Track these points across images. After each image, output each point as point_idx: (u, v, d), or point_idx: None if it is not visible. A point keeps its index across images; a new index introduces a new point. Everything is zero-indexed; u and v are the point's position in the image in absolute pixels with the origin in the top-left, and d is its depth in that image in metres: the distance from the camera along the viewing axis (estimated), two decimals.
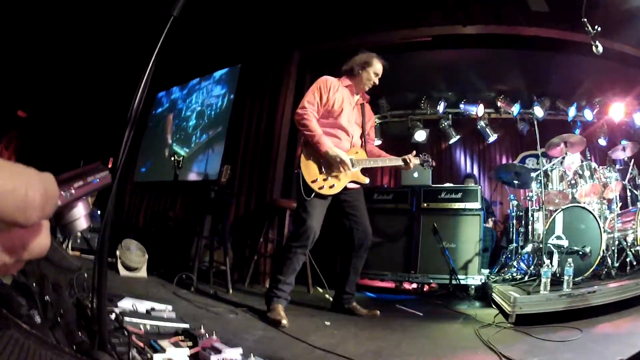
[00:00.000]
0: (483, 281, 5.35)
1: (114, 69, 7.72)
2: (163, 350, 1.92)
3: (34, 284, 1.43)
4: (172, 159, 5.74)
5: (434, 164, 4.05)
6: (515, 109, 8.13)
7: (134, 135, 1.70)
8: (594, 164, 5.06)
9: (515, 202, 6.13)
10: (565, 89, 7.96)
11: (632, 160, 5.57)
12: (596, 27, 3.31)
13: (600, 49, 3.43)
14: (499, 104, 8.45)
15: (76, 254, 4.85)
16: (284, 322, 3.08)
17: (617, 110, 7.67)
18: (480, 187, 5.89)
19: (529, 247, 5.21)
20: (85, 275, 2.38)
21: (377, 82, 3.85)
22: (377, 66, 3.81)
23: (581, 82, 7.55)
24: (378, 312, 3.80)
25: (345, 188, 3.63)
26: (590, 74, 7.04)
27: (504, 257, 5.84)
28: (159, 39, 1.75)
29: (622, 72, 6.45)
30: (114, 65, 7.72)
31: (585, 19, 3.31)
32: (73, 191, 0.53)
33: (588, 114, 8.10)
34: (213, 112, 6.99)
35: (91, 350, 1.47)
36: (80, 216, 0.56)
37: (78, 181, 0.54)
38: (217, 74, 7.21)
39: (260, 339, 2.67)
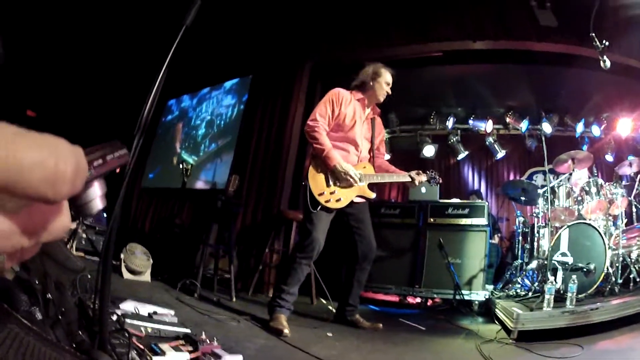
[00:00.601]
0: (487, 297, 5.33)
1: (126, 73, 7.79)
2: (163, 353, 1.94)
3: (37, 282, 1.43)
4: (181, 166, 5.83)
5: (440, 180, 4.05)
6: (524, 125, 8.15)
7: (144, 141, 1.72)
8: (600, 180, 5.04)
9: (521, 219, 6.14)
10: (573, 104, 7.96)
11: (639, 175, 5.55)
12: (604, 41, 3.32)
13: (608, 63, 3.45)
14: (507, 119, 8.47)
15: (80, 254, 4.87)
16: (286, 331, 3.08)
17: (625, 125, 7.65)
18: (487, 203, 5.86)
19: (533, 264, 5.19)
20: (89, 276, 2.39)
21: (390, 92, 3.85)
22: (387, 75, 3.82)
23: (589, 97, 7.53)
24: (380, 325, 3.78)
25: (352, 202, 3.63)
26: (598, 89, 7.02)
27: (508, 273, 5.82)
28: (171, 47, 1.78)
29: (629, 86, 6.43)
30: (126, 70, 7.79)
31: (594, 34, 3.33)
32: (92, 170, 0.49)
33: (595, 130, 8.10)
34: (223, 122, 7.02)
35: (91, 349, 1.47)
36: (97, 196, 0.52)
37: (97, 159, 0.51)
38: (228, 83, 7.24)
39: (262, 348, 2.67)
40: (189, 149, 7.45)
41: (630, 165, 5.55)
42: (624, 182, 5.26)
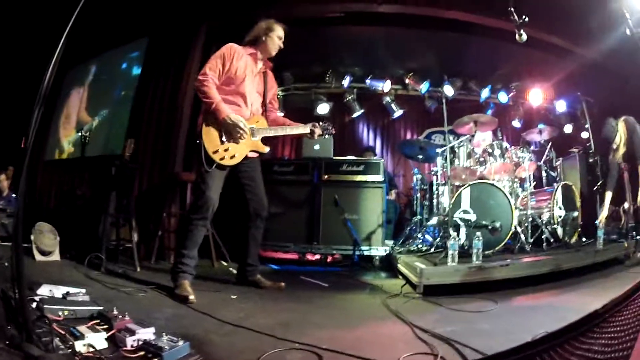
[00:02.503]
0: (387, 252, 5.46)
1: (19, 44, 6.92)
2: (82, 336, 1.95)
3: None
4: (80, 134, 5.53)
5: (333, 131, 4.07)
6: (424, 86, 8.25)
7: (45, 113, 1.75)
8: (505, 144, 5.29)
9: (419, 176, 6.29)
10: (481, 71, 8.16)
11: (550, 143, 5.83)
12: (523, 17, 3.31)
13: (525, 37, 3.48)
14: (407, 81, 8.52)
15: None
16: (192, 297, 3.12)
17: (536, 95, 8.05)
18: (383, 160, 5.97)
19: (434, 220, 5.33)
20: (6, 264, 2.41)
21: (282, 46, 3.83)
22: (279, 30, 3.79)
23: (500, 66, 7.75)
24: (283, 284, 3.82)
25: (246, 157, 3.61)
26: (510, 60, 7.20)
27: (408, 228, 5.98)
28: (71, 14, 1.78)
29: (545, 61, 6.72)
30: (19, 41, 6.91)
31: (513, 8, 3.29)
32: None
33: (503, 97, 8.44)
34: (120, 86, 6.68)
35: (21, 343, 1.53)
36: None
37: None
38: (125, 47, 6.86)
39: (171, 317, 2.69)
40: (87, 115, 7.03)
41: (541, 132, 5.87)
42: (532, 148, 5.50)
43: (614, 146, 5.09)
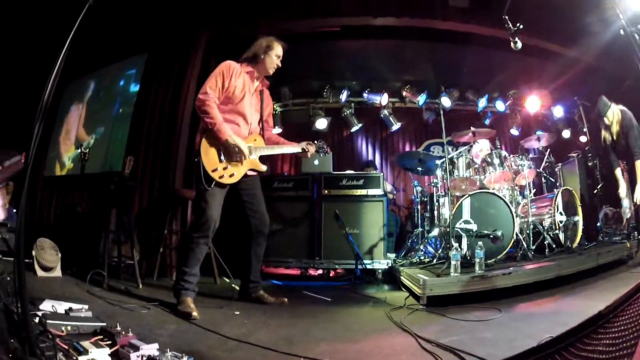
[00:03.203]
0: (390, 265, 5.43)
1: (19, 57, 6.97)
2: (86, 351, 1.95)
3: None
4: (79, 150, 5.52)
5: (328, 150, 4.14)
6: (422, 98, 8.28)
7: (45, 128, 1.67)
8: (504, 152, 5.31)
9: (419, 188, 6.28)
10: (477, 80, 8.23)
11: (549, 149, 5.83)
12: (518, 24, 3.33)
13: (520, 45, 3.48)
14: (404, 93, 8.57)
15: None
16: (194, 314, 3.11)
17: (533, 102, 8.11)
18: (382, 174, 5.97)
19: (435, 231, 5.32)
20: (8, 278, 2.40)
21: (280, 65, 3.84)
22: (278, 49, 3.80)
23: (496, 74, 7.78)
24: (285, 299, 3.82)
25: (245, 175, 3.63)
26: (507, 68, 7.24)
27: (409, 241, 5.97)
28: (71, 28, 1.77)
29: (541, 67, 6.78)
30: (19, 54, 6.97)
31: (507, 16, 3.31)
32: None
33: (500, 105, 8.51)
34: (119, 102, 6.68)
35: (24, 357, 1.52)
36: None
37: None
38: (124, 63, 6.88)
39: (174, 333, 2.69)
40: (85, 133, 7.03)
41: (539, 139, 5.86)
42: (530, 155, 5.50)
43: (606, 122, 5.01)
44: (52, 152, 7.34)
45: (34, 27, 6.29)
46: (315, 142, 3.90)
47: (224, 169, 3.46)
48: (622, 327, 1.27)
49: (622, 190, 5.04)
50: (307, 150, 3.81)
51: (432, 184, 5.87)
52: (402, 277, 4.57)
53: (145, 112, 5.94)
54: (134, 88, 6.39)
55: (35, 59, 5.44)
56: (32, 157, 1.58)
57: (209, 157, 3.44)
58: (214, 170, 3.42)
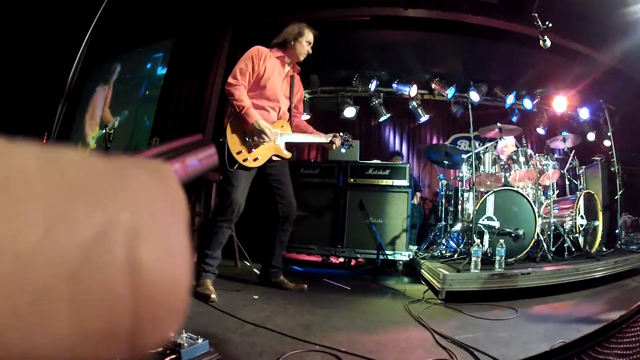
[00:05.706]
0: (411, 257, 5.42)
1: (45, 39, 7.10)
2: None
3: None
4: (103, 131, 5.53)
5: (352, 144, 4.07)
6: (450, 92, 8.23)
7: (67, 110, 1.65)
8: (529, 151, 5.22)
9: (444, 182, 6.25)
10: (506, 77, 8.13)
11: (573, 151, 5.76)
12: (547, 22, 3.28)
13: (549, 43, 3.45)
14: (433, 86, 8.54)
15: None
16: (213, 296, 3.12)
17: (560, 102, 7.98)
18: (408, 165, 5.90)
19: (458, 226, 5.29)
20: None
21: (310, 51, 3.81)
22: (310, 35, 3.77)
23: (524, 72, 7.71)
24: (305, 286, 3.81)
25: (271, 160, 3.62)
26: (535, 66, 7.18)
27: (432, 234, 5.94)
28: (95, 12, 1.66)
29: (569, 68, 6.65)
30: (45, 36, 7.09)
31: (536, 14, 3.27)
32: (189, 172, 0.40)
33: (527, 103, 8.43)
34: (145, 85, 6.79)
35: None
36: None
37: (192, 160, 0.41)
38: (151, 47, 6.98)
39: (191, 315, 2.63)
40: (110, 115, 7.17)
41: (564, 140, 5.77)
42: (555, 156, 5.43)
43: None
44: (74, 134, 7.48)
45: (61, 11, 6.37)
46: (341, 134, 3.87)
47: (249, 152, 3.46)
48: (635, 339, 1.28)
49: None
50: (333, 142, 3.77)
51: (458, 178, 5.84)
52: (422, 270, 4.56)
53: (173, 95, 6.04)
54: (161, 71, 6.49)
55: (59, 42, 5.57)
56: (55, 137, 1.58)
57: (235, 139, 3.45)
58: (238, 153, 3.42)
